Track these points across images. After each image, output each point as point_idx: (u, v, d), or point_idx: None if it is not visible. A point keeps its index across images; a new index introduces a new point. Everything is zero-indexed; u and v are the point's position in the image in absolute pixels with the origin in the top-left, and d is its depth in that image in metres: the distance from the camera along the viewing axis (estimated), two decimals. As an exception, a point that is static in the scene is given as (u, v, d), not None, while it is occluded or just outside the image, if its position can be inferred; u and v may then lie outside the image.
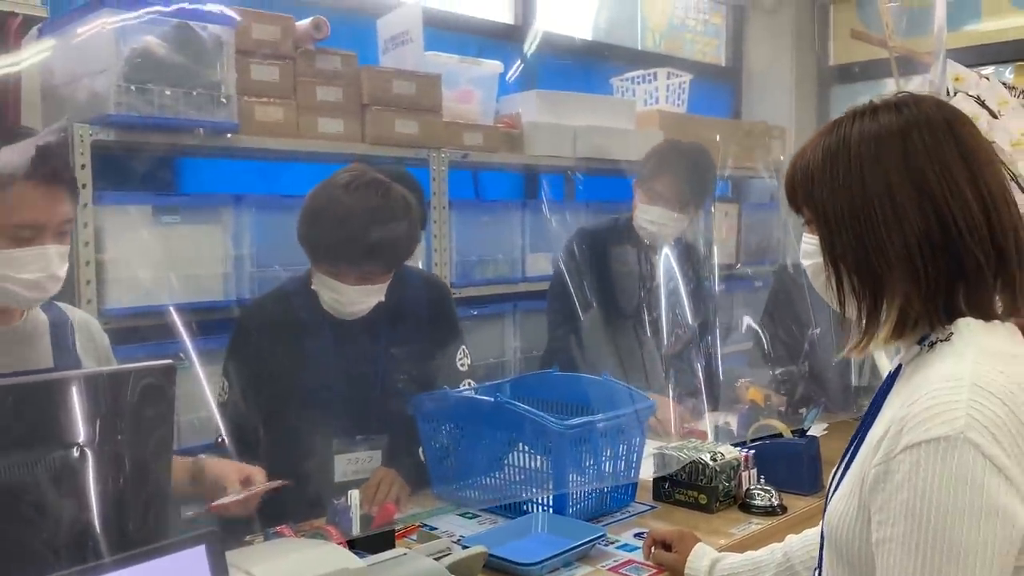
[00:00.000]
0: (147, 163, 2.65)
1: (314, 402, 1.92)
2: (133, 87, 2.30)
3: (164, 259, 2.45)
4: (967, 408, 0.95)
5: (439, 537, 1.54)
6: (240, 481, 1.61)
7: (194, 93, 2.41)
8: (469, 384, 2.10)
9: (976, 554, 0.92)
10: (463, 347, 2.15)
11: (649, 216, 2.71)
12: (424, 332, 2.11)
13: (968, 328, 1.04)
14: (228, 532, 1.53)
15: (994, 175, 1.06)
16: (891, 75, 2.86)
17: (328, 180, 1.97)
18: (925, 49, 2.77)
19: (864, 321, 1.09)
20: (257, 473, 1.63)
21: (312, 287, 1.97)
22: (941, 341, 1.05)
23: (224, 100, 2.48)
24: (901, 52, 2.73)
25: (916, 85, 2.85)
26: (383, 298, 1.96)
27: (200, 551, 0.96)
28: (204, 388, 1.55)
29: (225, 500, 1.52)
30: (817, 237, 1.14)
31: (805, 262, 1.20)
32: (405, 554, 1.29)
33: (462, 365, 2.13)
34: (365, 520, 1.52)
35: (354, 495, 1.52)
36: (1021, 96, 3.27)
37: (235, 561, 1.08)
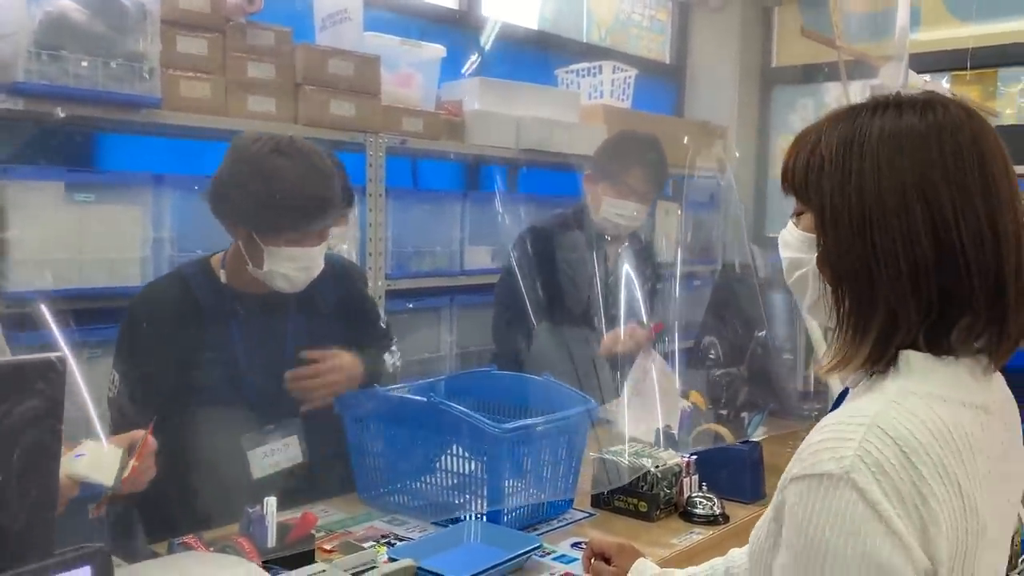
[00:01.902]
0: (60, 137, 2.48)
1: (219, 394, 1.79)
2: (45, 54, 2.14)
3: (76, 240, 2.30)
4: (858, 448, 0.89)
5: (363, 548, 1.43)
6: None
7: (113, 64, 2.26)
8: (393, 355, 2.01)
9: None
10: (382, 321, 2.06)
11: (620, 210, 2.65)
12: (336, 311, 2.01)
13: (907, 362, 0.97)
14: (131, 543, 1.41)
15: (1012, 214, 0.96)
16: (835, 78, 2.84)
17: (246, 151, 1.81)
18: (873, 52, 2.76)
19: (845, 337, 1.01)
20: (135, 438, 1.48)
21: (253, 268, 1.82)
22: (879, 372, 0.99)
23: (146, 73, 2.33)
24: (850, 54, 2.71)
25: (859, 88, 2.84)
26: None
27: (85, 572, 0.84)
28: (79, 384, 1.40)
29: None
30: (803, 230, 1.05)
31: (784, 252, 1.11)
32: (324, 571, 1.18)
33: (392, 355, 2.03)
34: (282, 529, 1.40)
35: (270, 502, 1.40)
36: (961, 104, 3.30)
37: (130, 581, 0.96)
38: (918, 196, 0.95)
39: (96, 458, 1.27)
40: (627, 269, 2.22)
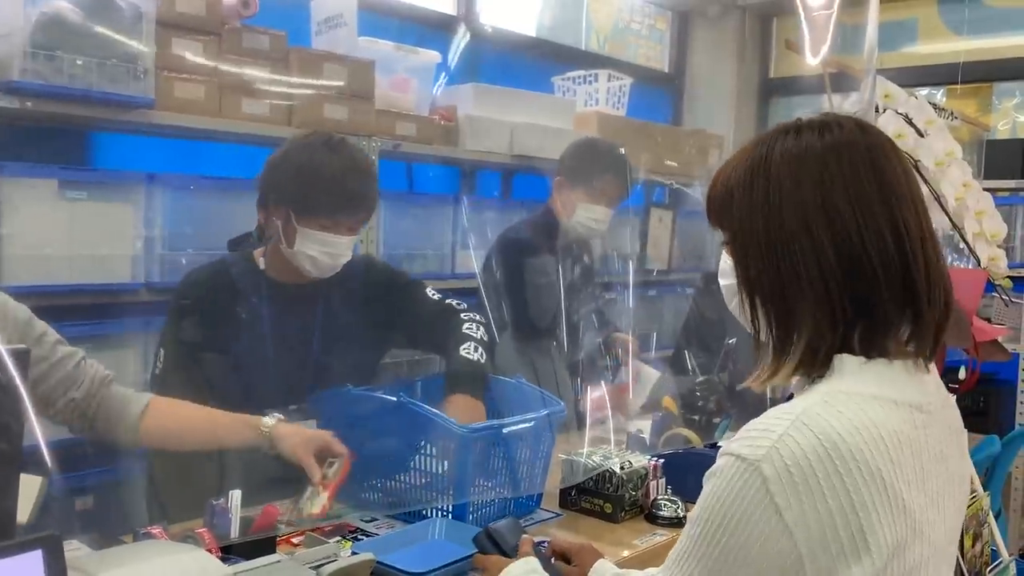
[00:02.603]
0: (54, 135, 2.54)
1: (248, 373, 1.90)
2: (41, 53, 2.18)
3: (68, 237, 2.34)
4: (777, 440, 0.95)
5: (326, 542, 1.47)
6: (317, 457, 1.64)
7: (108, 64, 2.30)
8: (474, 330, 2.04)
9: (730, 567, 0.96)
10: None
11: (593, 215, 2.73)
12: (372, 306, 2.10)
13: (841, 364, 1.02)
14: (98, 529, 1.45)
15: (913, 212, 1.02)
16: (824, 91, 2.86)
17: (299, 142, 2.02)
18: (860, 66, 2.78)
19: (772, 351, 1.06)
20: (331, 444, 1.65)
21: (289, 249, 1.94)
22: (819, 377, 1.03)
23: (141, 74, 2.37)
24: (835, 68, 2.73)
25: (851, 101, 2.85)
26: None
27: (36, 556, 0.88)
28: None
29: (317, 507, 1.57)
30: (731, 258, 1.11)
31: (722, 281, 1.18)
32: (279, 561, 1.22)
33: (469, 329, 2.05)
34: (245, 523, 1.44)
35: (234, 495, 1.44)
36: (950, 117, 3.32)
37: (85, 566, 1.01)
38: (819, 212, 1.00)
39: None
40: (587, 276, 2.25)
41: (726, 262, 1.14)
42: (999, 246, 2.66)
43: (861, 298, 1.00)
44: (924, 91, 4.24)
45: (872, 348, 1.02)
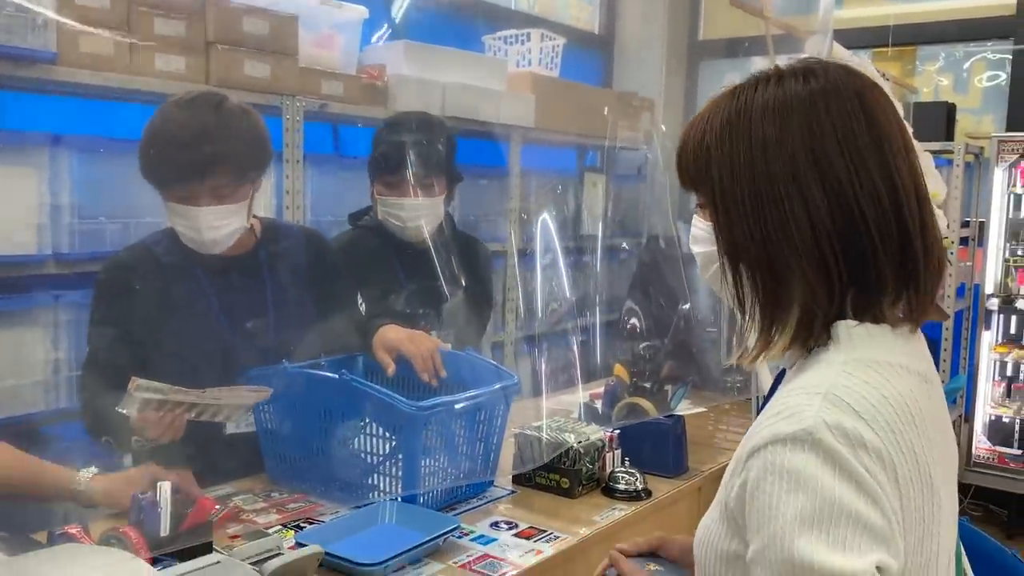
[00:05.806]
0: (-58, 93, 2.31)
1: (191, 352, 1.75)
2: (-77, 3, 1.97)
3: (-38, 205, 2.13)
4: (817, 412, 0.85)
5: (268, 534, 1.35)
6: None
7: (2, 14, 2.09)
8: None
9: (824, 559, 0.80)
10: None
11: None
12: (304, 275, 1.99)
13: (847, 333, 0.93)
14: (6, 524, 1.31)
15: (907, 162, 0.94)
16: (761, 53, 2.82)
17: (161, 105, 1.83)
18: (800, 26, 2.74)
19: (761, 322, 0.97)
20: (156, 475, 1.43)
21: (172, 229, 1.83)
22: (819, 346, 0.95)
23: (40, 25, 2.16)
24: (777, 27, 2.69)
25: (785, 62, 2.82)
26: (245, 223, 1.84)
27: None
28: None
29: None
30: (710, 222, 1.00)
31: (695, 248, 1.07)
32: (219, 562, 1.10)
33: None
34: (176, 518, 1.30)
35: (164, 487, 1.30)
36: (883, 78, 3.33)
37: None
38: (809, 163, 0.92)
39: None
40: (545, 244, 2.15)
41: (699, 227, 1.05)
42: (937, 207, 2.67)
43: (857, 259, 0.92)
44: (851, 53, 4.25)
45: (867, 314, 0.94)
